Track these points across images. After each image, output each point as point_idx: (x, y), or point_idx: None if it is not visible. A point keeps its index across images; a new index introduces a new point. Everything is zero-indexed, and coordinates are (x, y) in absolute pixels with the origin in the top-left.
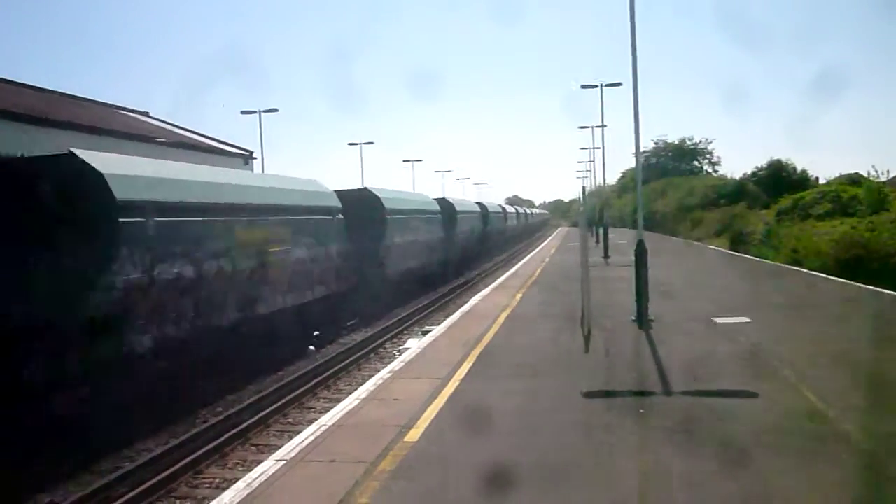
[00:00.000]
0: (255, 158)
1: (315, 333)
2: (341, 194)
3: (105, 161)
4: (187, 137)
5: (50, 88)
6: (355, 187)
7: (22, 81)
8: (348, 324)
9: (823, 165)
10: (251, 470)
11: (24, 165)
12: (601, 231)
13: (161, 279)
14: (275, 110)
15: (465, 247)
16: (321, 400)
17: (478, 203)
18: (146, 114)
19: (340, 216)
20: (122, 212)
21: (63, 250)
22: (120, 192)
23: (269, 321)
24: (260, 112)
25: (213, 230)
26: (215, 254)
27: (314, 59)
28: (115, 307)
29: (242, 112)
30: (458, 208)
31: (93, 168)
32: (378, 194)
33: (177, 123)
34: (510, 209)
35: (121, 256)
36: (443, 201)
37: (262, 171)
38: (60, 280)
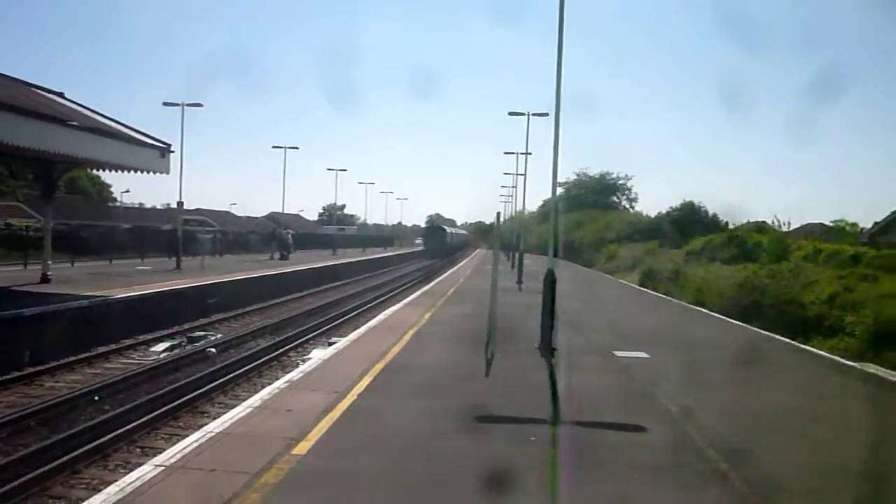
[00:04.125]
0: (174, 152)
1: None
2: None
3: None
4: (103, 124)
5: None
6: None
7: None
8: None
9: (735, 210)
10: (129, 473)
11: None
12: (517, 257)
13: None
14: (199, 105)
15: None
16: (216, 405)
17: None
18: (62, 94)
19: None
20: None
21: None
22: None
23: None
24: (183, 105)
25: None
26: None
27: (243, 55)
28: None
29: (164, 104)
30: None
31: None
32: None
33: (93, 108)
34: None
35: None
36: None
37: (181, 165)
38: None
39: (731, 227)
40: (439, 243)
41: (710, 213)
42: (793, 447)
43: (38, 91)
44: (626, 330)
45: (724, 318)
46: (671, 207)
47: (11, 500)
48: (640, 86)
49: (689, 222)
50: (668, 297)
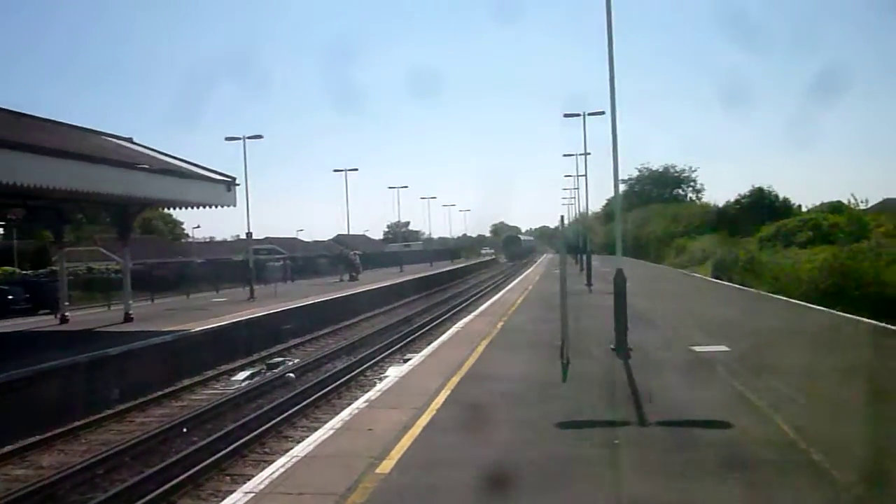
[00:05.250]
0: (239, 185)
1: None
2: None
3: None
4: (171, 164)
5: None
6: None
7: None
8: None
9: (805, 193)
10: (221, 502)
11: None
12: (585, 259)
13: None
14: (259, 136)
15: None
16: (299, 429)
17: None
18: (130, 140)
19: None
20: None
21: None
22: None
23: None
24: (244, 138)
25: None
26: None
27: (298, 81)
28: None
29: (226, 139)
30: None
31: None
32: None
33: (159, 149)
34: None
35: None
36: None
37: (247, 197)
38: None
39: (803, 210)
40: (517, 249)
41: (781, 197)
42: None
43: (108, 138)
44: (703, 323)
45: (805, 304)
46: (739, 195)
47: None
48: (696, 73)
49: (760, 209)
50: (744, 287)
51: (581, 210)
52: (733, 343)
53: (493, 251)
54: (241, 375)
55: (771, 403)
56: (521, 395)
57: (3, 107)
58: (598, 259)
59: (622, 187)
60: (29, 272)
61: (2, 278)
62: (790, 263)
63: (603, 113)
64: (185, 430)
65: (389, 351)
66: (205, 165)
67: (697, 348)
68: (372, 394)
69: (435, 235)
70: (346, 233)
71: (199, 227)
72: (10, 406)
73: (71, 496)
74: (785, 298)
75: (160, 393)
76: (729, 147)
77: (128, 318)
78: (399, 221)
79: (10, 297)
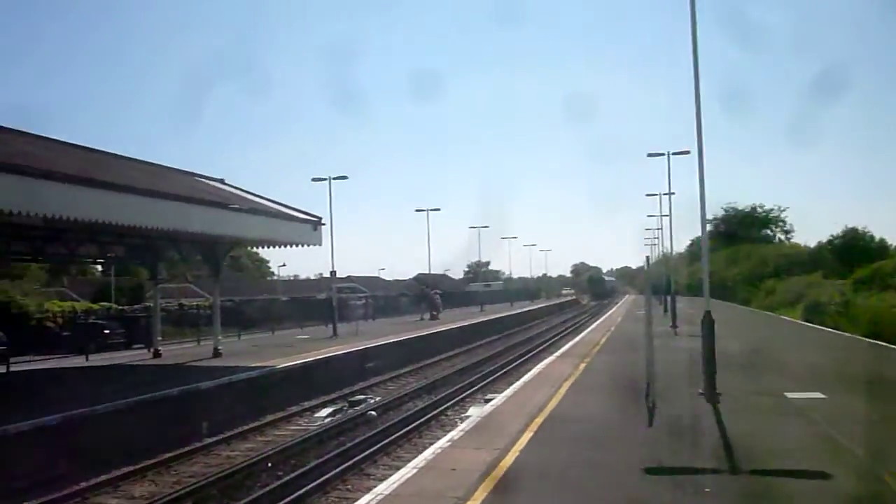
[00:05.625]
0: (324, 224)
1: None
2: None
3: None
4: (260, 204)
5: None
6: None
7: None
8: None
9: None
10: None
11: None
12: (669, 300)
13: None
14: (345, 178)
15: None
16: (381, 467)
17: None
18: (222, 180)
19: None
20: None
21: None
22: None
23: None
24: (330, 179)
25: None
26: None
27: (380, 120)
28: None
29: (313, 179)
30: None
31: None
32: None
33: (249, 190)
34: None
35: None
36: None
37: (332, 236)
38: None
39: None
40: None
41: (877, 238)
42: None
43: (201, 179)
44: (796, 369)
45: None
46: (832, 236)
47: None
48: (787, 108)
49: (854, 250)
50: (837, 332)
51: (665, 250)
52: (829, 390)
53: (573, 291)
54: (324, 412)
55: (872, 454)
56: (605, 438)
57: (105, 150)
58: (683, 300)
59: (707, 227)
60: (125, 307)
61: (99, 313)
62: (889, 307)
63: (688, 152)
64: (269, 464)
65: (471, 391)
66: (292, 205)
67: (790, 395)
68: (454, 433)
69: (515, 275)
70: (426, 272)
71: (284, 265)
72: (105, 437)
73: None
74: (884, 344)
75: (245, 427)
76: (819, 186)
77: (216, 354)
78: (479, 261)
79: (106, 331)
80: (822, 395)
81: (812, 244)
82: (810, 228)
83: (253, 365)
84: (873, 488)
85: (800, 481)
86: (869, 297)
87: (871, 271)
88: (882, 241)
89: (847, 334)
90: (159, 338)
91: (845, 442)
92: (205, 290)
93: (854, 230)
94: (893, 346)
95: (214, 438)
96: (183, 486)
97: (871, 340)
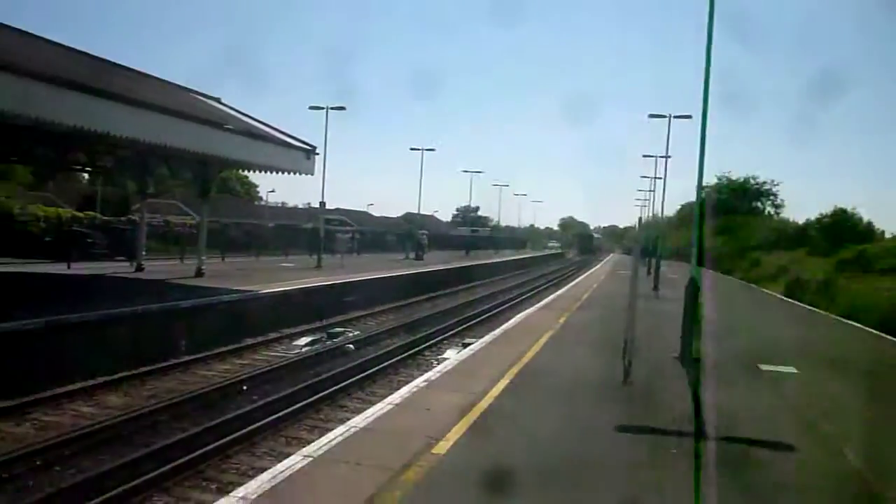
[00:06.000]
0: (318, 154)
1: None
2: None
3: None
4: (255, 127)
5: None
6: None
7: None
8: None
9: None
10: (279, 462)
11: None
12: (654, 263)
13: None
14: (342, 108)
15: None
16: (356, 401)
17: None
18: (218, 99)
19: None
20: None
21: None
22: None
23: None
24: (327, 108)
25: None
26: None
27: (382, 62)
28: None
29: (310, 107)
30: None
31: None
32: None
33: (244, 111)
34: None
35: None
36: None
37: (324, 167)
38: None
39: (888, 236)
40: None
41: (865, 220)
42: None
43: (197, 96)
44: (772, 342)
45: (881, 333)
46: (821, 214)
47: (167, 482)
48: (790, 83)
49: (841, 230)
50: (816, 309)
51: (655, 212)
52: (801, 365)
53: (559, 245)
54: (303, 341)
55: (840, 432)
56: (581, 392)
57: (92, 53)
58: (667, 264)
59: (701, 194)
60: (110, 219)
61: (85, 222)
62: (869, 290)
63: (690, 117)
64: (244, 387)
65: (449, 333)
66: (288, 132)
67: (764, 367)
68: (431, 374)
69: (503, 223)
70: (416, 211)
71: (273, 191)
72: (82, 346)
73: (135, 438)
74: (860, 325)
75: (224, 349)
76: (815, 166)
77: (199, 273)
78: (469, 206)
79: (89, 240)
80: (794, 370)
81: (801, 221)
82: (801, 206)
83: (235, 288)
84: (834, 464)
85: (765, 451)
86: (851, 279)
87: (855, 253)
88: (870, 223)
89: (824, 313)
90: (143, 252)
91: (814, 417)
92: (191, 209)
93: (843, 210)
94: (869, 329)
95: (192, 357)
96: (158, 401)
97: (847, 321)
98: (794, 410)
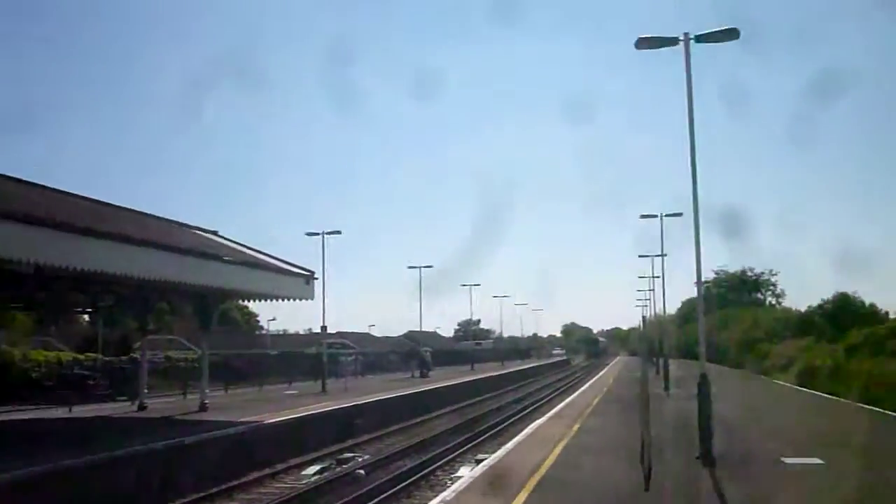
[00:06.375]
0: (317, 279)
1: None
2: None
3: None
4: (253, 257)
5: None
6: None
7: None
8: None
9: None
10: None
11: None
12: (661, 362)
13: None
14: (338, 232)
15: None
16: None
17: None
18: (215, 232)
19: None
20: None
21: None
22: None
23: None
24: (323, 234)
25: None
26: None
27: (371, 179)
28: None
29: (307, 234)
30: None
31: None
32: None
33: (242, 242)
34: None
35: None
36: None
37: (323, 291)
38: None
39: (892, 316)
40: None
41: (868, 303)
42: None
43: (194, 231)
44: (792, 434)
45: None
46: (823, 300)
47: None
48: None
49: (845, 315)
50: (830, 396)
51: (657, 312)
52: (826, 455)
53: (564, 351)
54: (311, 470)
55: None
56: (602, 503)
57: (91, 197)
58: (674, 363)
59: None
60: (111, 358)
61: (85, 364)
62: (882, 372)
63: (681, 214)
64: None
65: (461, 450)
66: (285, 259)
67: (788, 460)
68: (447, 493)
69: (506, 334)
70: (417, 329)
71: (274, 319)
72: (89, 490)
73: None
74: (879, 409)
75: (230, 484)
76: (811, 251)
77: (203, 408)
78: (470, 319)
79: (90, 381)
80: (820, 461)
81: (803, 308)
82: (801, 293)
83: (240, 420)
84: None
85: None
86: (862, 362)
87: (863, 337)
88: (872, 305)
89: (840, 399)
90: (145, 390)
91: None
92: (193, 343)
93: (845, 295)
94: (888, 412)
95: (198, 495)
96: None
97: (865, 406)
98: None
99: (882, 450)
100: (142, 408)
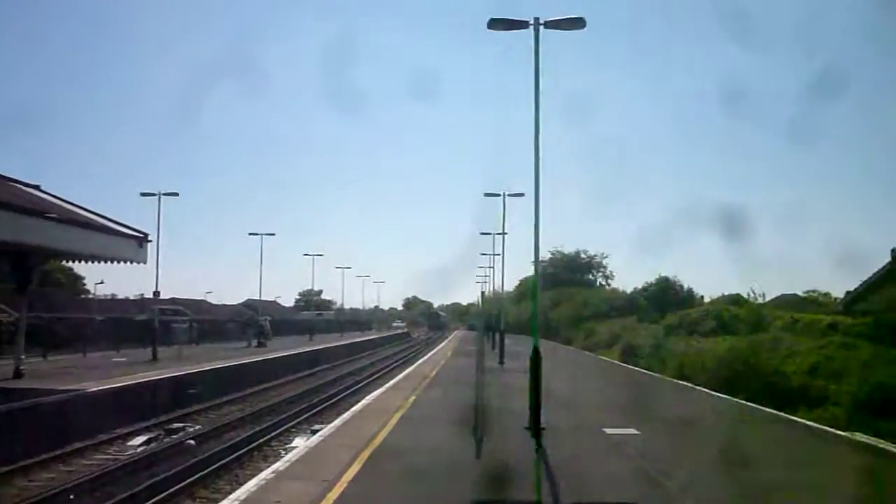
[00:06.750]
0: (150, 241)
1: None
2: None
3: None
4: (80, 215)
5: None
6: None
7: None
8: None
9: (705, 284)
10: None
11: None
12: (498, 337)
13: None
14: (175, 194)
15: None
16: (197, 501)
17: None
18: (37, 187)
19: None
20: None
21: None
22: None
23: None
24: (160, 194)
25: None
26: None
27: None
28: None
29: (142, 194)
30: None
31: None
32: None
33: (69, 199)
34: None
35: None
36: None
37: (158, 254)
38: None
39: (706, 300)
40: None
41: (686, 287)
42: None
43: (14, 184)
44: (613, 406)
45: (709, 391)
46: (647, 283)
47: None
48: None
49: (665, 297)
50: (650, 372)
51: (495, 289)
52: (642, 426)
53: (404, 324)
54: (138, 440)
55: (680, 486)
56: (434, 470)
57: None
58: (509, 338)
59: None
60: None
61: None
62: (695, 351)
63: (523, 195)
64: (70, 496)
65: (297, 420)
66: (116, 219)
67: (609, 430)
68: (279, 464)
69: (347, 306)
70: (257, 297)
71: (102, 282)
72: None
73: None
74: (690, 385)
75: (47, 456)
76: (639, 236)
77: (18, 374)
78: (312, 290)
79: None
80: (636, 431)
81: (629, 290)
82: (630, 275)
83: (59, 388)
84: None
85: None
86: (677, 342)
87: (679, 318)
88: (689, 290)
89: (658, 375)
90: None
91: (656, 475)
92: (9, 306)
93: (666, 279)
94: (697, 387)
95: (8, 468)
96: None
97: (679, 381)
98: (638, 470)
99: (687, 421)
100: None
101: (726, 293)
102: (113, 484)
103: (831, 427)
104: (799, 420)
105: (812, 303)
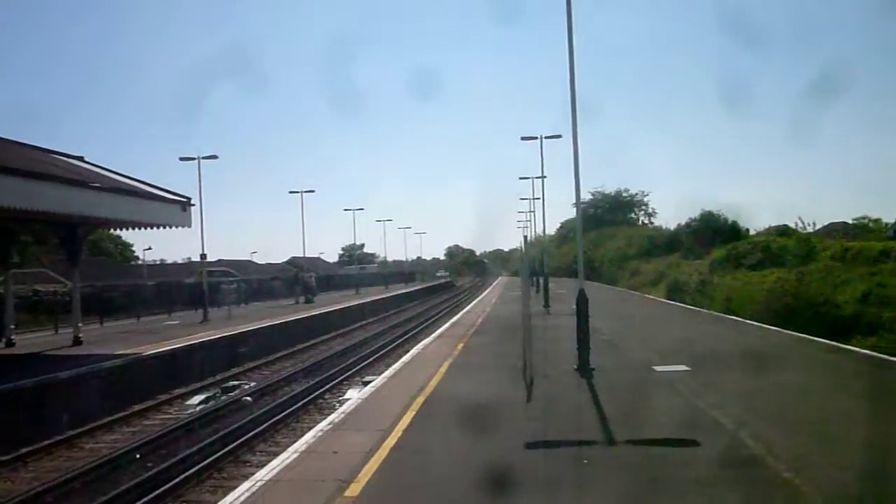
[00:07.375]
0: (194, 205)
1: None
2: None
3: None
4: (124, 183)
5: None
6: None
7: None
8: None
9: (752, 216)
10: None
11: None
12: (542, 281)
13: None
14: (215, 157)
15: None
16: (259, 454)
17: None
18: (81, 158)
19: None
20: None
21: None
22: None
23: None
24: (199, 158)
25: None
26: None
27: (253, 104)
28: None
29: (181, 158)
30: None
31: None
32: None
33: (112, 168)
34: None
35: None
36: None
37: (202, 217)
38: None
39: (752, 233)
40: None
41: (731, 220)
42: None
43: (59, 157)
44: (661, 344)
45: (758, 324)
46: (690, 219)
47: None
48: (646, 94)
49: (710, 232)
50: (698, 309)
51: (537, 233)
52: (693, 363)
53: (448, 274)
54: (196, 399)
55: (735, 421)
56: (487, 415)
57: None
58: (553, 281)
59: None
60: None
61: None
62: (741, 285)
63: (560, 136)
64: (137, 455)
65: (348, 373)
66: (159, 185)
67: (658, 368)
68: (335, 416)
69: (390, 258)
70: (300, 255)
71: (150, 248)
72: None
73: None
74: (738, 319)
75: (111, 418)
76: (682, 170)
77: (77, 342)
78: (354, 244)
79: None
80: (687, 368)
81: (672, 227)
82: (673, 211)
83: (117, 353)
84: (736, 452)
85: (672, 449)
86: (724, 276)
87: (725, 252)
88: (735, 223)
89: (705, 311)
90: (13, 326)
91: (710, 410)
92: (63, 276)
93: (710, 213)
94: (746, 321)
95: (76, 431)
96: (42, 483)
97: (727, 316)
98: (690, 406)
99: (738, 355)
100: (10, 344)
101: (774, 225)
102: (175, 442)
103: (888, 355)
104: (855, 349)
105: (862, 229)
